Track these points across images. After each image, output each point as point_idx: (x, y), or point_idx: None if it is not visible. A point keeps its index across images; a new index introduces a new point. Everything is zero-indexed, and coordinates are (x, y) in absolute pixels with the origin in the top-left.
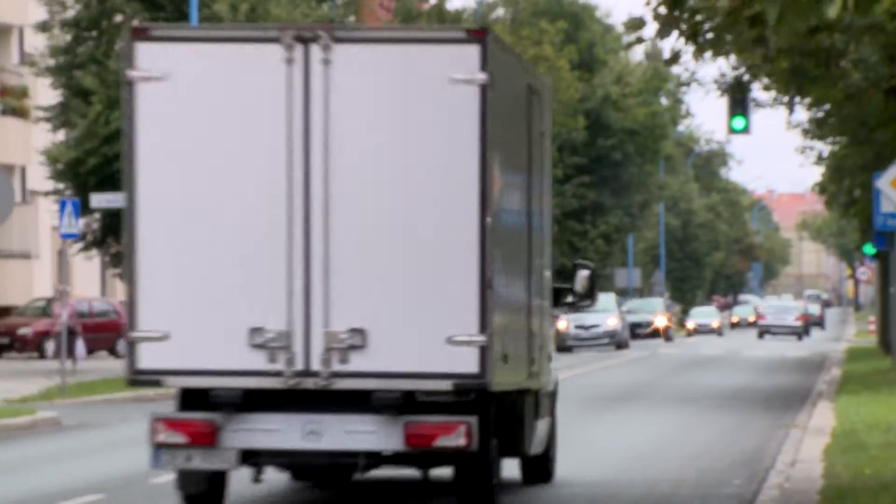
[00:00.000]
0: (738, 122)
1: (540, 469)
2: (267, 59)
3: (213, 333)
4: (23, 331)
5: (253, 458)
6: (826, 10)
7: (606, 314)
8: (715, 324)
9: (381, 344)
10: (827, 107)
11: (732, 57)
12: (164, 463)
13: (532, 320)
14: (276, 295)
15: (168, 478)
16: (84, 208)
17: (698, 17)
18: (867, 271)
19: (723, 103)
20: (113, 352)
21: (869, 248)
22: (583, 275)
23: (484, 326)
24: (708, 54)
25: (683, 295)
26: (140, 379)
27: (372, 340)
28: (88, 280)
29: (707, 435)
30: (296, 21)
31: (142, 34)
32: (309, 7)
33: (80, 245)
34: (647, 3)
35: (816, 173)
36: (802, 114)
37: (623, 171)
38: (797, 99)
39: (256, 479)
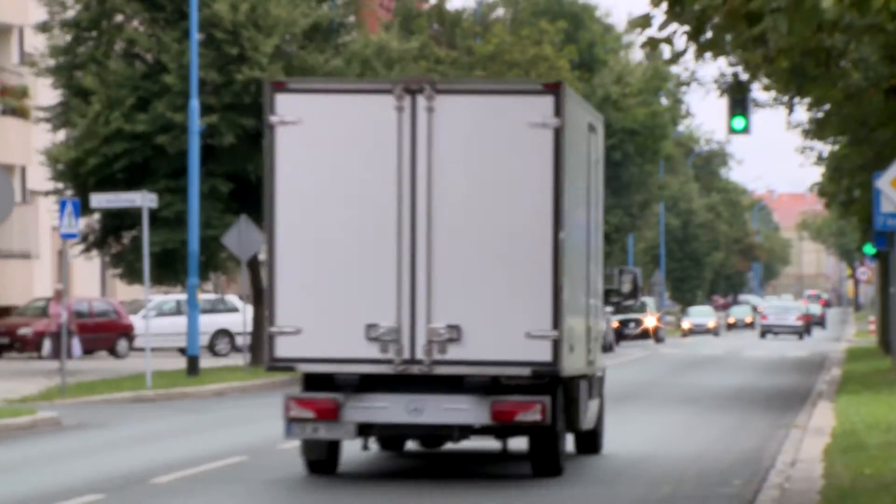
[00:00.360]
0: (738, 122)
1: (591, 442)
2: (381, 106)
3: (336, 329)
4: (23, 331)
5: (367, 431)
6: (823, 7)
7: None
8: (711, 324)
9: (472, 337)
10: (827, 107)
11: (732, 56)
12: (294, 433)
13: (589, 317)
14: (388, 299)
15: (168, 477)
16: (84, 208)
17: (697, 7)
18: (867, 271)
19: (723, 103)
20: (113, 352)
21: (869, 248)
22: (627, 278)
23: (556, 323)
24: (708, 54)
25: (683, 295)
26: (277, 365)
27: (465, 335)
28: (88, 280)
29: (707, 435)
30: (296, 21)
31: (280, 87)
32: (309, 7)
33: (80, 245)
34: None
35: (816, 173)
36: (802, 114)
37: (623, 171)
38: (797, 99)
39: (365, 447)
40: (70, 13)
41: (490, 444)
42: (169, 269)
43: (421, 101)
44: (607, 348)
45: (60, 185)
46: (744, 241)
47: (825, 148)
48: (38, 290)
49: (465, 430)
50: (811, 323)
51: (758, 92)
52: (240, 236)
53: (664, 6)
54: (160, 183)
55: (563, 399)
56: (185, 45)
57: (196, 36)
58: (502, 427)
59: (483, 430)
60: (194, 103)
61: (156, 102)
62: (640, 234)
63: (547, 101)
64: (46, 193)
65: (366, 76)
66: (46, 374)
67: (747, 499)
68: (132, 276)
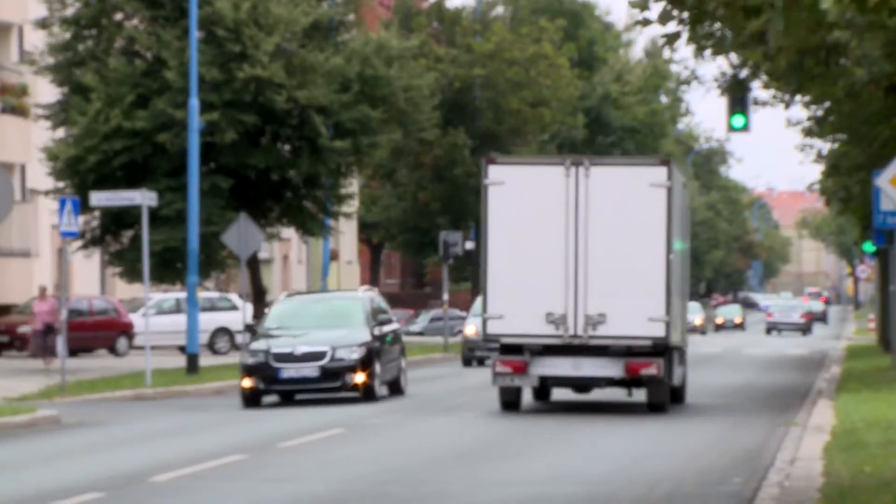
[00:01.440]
0: (738, 121)
1: (679, 395)
2: (556, 173)
3: (525, 315)
4: (23, 329)
5: (544, 381)
6: (822, 2)
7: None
8: (697, 321)
9: (613, 320)
10: (827, 104)
11: (732, 55)
12: (497, 382)
13: (683, 308)
14: (560, 295)
15: (167, 475)
16: (84, 207)
17: None
18: (867, 269)
19: (722, 102)
20: (113, 350)
21: (868, 246)
22: (702, 284)
23: (667, 311)
24: (708, 52)
25: None
26: (489, 339)
27: (609, 319)
28: (88, 278)
29: (707, 433)
30: (297, 20)
31: (491, 161)
32: (309, 6)
33: (79, 243)
34: None
35: (816, 171)
36: (802, 112)
37: None
38: (797, 97)
39: (540, 398)
40: (70, 10)
41: (618, 395)
42: (170, 267)
43: (581, 169)
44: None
45: (60, 184)
46: (743, 239)
47: (825, 146)
48: (38, 289)
49: (608, 381)
50: (813, 320)
51: (758, 90)
52: (239, 234)
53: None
54: (160, 181)
55: (669, 362)
56: (184, 43)
57: (196, 34)
58: (631, 379)
59: (618, 382)
60: (194, 101)
61: (156, 100)
62: None
63: (662, 170)
64: (46, 192)
65: (365, 74)
66: (45, 373)
67: (747, 497)
68: (133, 274)
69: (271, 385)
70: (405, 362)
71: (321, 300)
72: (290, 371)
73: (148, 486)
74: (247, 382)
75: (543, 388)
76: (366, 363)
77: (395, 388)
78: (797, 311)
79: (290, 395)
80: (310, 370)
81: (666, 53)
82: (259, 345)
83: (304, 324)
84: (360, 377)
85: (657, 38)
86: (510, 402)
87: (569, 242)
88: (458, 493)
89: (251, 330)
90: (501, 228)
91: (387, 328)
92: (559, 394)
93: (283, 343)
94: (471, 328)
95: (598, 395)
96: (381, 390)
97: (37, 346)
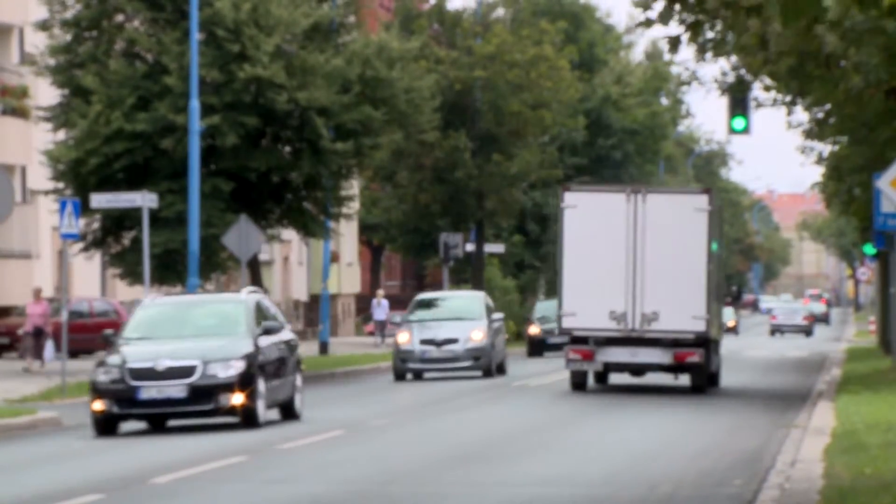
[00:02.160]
0: (739, 123)
1: (714, 380)
2: (618, 198)
3: (593, 312)
4: (23, 331)
5: (607, 366)
6: (824, 7)
7: (471, 324)
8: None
9: (664, 318)
10: (828, 107)
11: (733, 57)
12: (569, 366)
13: (719, 308)
14: (621, 297)
15: (167, 477)
16: (84, 208)
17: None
18: (867, 271)
19: (723, 104)
20: None
21: (869, 249)
22: (733, 289)
23: (707, 311)
24: (709, 54)
25: None
26: (563, 332)
27: (661, 316)
28: (88, 280)
29: (707, 435)
30: (297, 21)
31: (567, 188)
32: (310, 7)
33: (80, 245)
34: None
35: (817, 173)
36: (803, 114)
37: (623, 172)
38: (798, 99)
39: (599, 381)
40: (70, 12)
41: (665, 379)
42: (170, 269)
43: (639, 196)
44: (490, 371)
45: (61, 185)
46: (744, 241)
47: (826, 148)
48: (33, 291)
49: (658, 367)
50: (815, 322)
51: (758, 91)
52: (240, 236)
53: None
54: (161, 183)
55: (708, 352)
56: (185, 45)
57: (196, 36)
58: (678, 365)
59: (667, 368)
60: (195, 104)
61: (157, 103)
62: None
63: (704, 198)
64: (46, 193)
65: (366, 75)
66: (47, 374)
67: (747, 499)
68: (134, 276)
69: (128, 408)
70: (301, 379)
71: (195, 304)
72: (150, 391)
73: (148, 487)
74: (98, 405)
75: (603, 373)
76: (245, 381)
77: (288, 412)
78: (800, 314)
79: (158, 419)
80: (175, 389)
81: (667, 55)
82: (114, 359)
83: (172, 333)
84: (237, 398)
85: (659, 41)
86: (579, 383)
87: (628, 254)
88: (456, 495)
89: (107, 341)
90: (574, 243)
91: (276, 338)
92: (615, 378)
93: (143, 356)
94: (404, 335)
95: (650, 378)
96: (268, 414)
97: (24, 348)
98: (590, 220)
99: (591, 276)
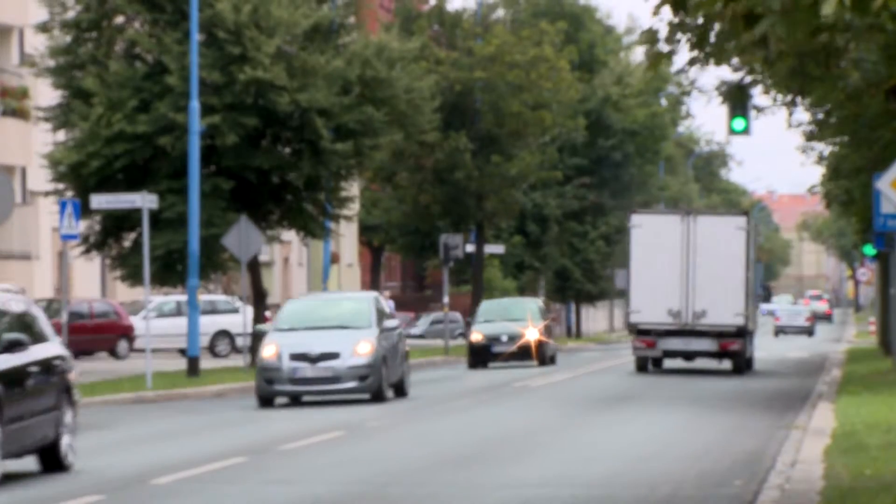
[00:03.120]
0: (738, 124)
1: (750, 364)
2: (674, 220)
3: (654, 310)
4: None
5: (665, 353)
6: (823, 9)
7: (356, 333)
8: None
9: (712, 314)
10: (828, 107)
11: (734, 60)
12: (636, 353)
13: (755, 307)
14: (677, 298)
15: (168, 478)
16: (84, 209)
17: (701, 14)
18: (867, 272)
19: (723, 105)
20: (113, 353)
21: (869, 249)
22: (764, 290)
23: (746, 309)
24: (710, 62)
25: None
26: (631, 326)
27: (708, 313)
28: (89, 281)
29: (708, 435)
30: (298, 22)
31: (634, 212)
32: (310, 8)
33: (81, 247)
34: (654, 13)
35: (817, 174)
36: (803, 115)
37: (623, 172)
38: (798, 99)
39: (656, 365)
40: (70, 14)
41: (711, 364)
42: (171, 270)
43: (691, 217)
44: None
45: (61, 186)
46: None
47: (826, 148)
48: (39, 292)
49: (706, 353)
50: (816, 322)
51: (759, 97)
52: (240, 237)
53: (667, 12)
54: (161, 183)
55: (745, 342)
56: (185, 46)
57: (196, 37)
58: (722, 352)
59: (713, 354)
60: (195, 103)
61: (157, 103)
62: None
63: (743, 219)
64: (46, 194)
65: (366, 76)
66: None
67: (747, 500)
68: (134, 277)
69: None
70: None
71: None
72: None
73: (149, 488)
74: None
75: (660, 360)
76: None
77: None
78: (803, 315)
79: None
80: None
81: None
82: (270, 347)
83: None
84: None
85: (660, 52)
86: (642, 366)
87: (682, 264)
88: (455, 496)
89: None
90: (639, 255)
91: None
92: (669, 364)
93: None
94: (270, 348)
95: (699, 364)
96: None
97: None
98: (652, 237)
99: (653, 281)
